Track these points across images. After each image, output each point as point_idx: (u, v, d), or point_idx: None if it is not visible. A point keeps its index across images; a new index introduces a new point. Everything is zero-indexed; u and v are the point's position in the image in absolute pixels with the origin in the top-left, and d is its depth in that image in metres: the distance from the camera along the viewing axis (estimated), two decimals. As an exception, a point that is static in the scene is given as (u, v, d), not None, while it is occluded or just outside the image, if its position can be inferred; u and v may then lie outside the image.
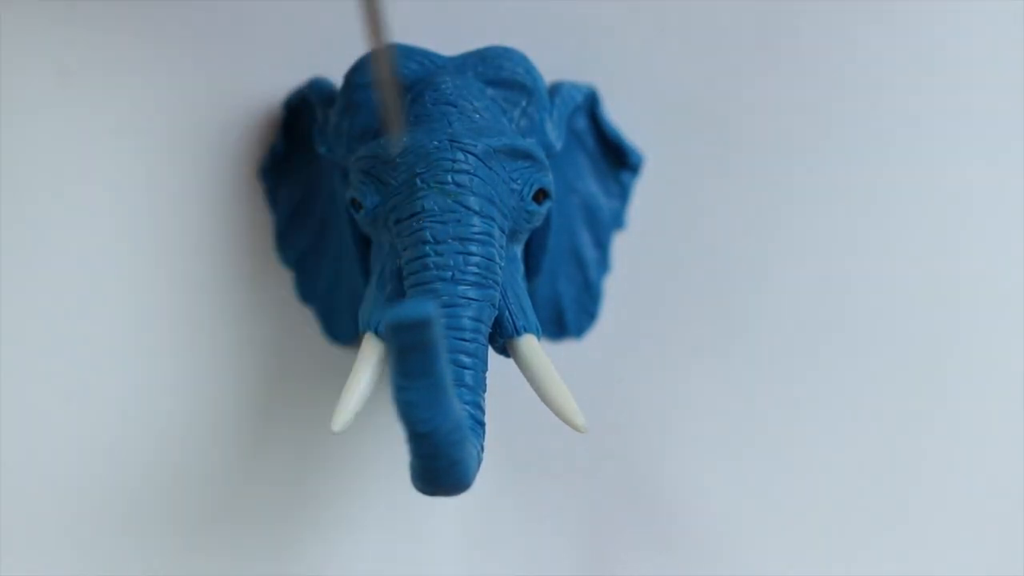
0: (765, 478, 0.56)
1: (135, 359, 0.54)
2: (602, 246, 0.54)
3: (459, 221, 0.44)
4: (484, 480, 0.44)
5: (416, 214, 0.44)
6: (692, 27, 0.55)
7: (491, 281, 0.44)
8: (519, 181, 0.46)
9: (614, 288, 0.55)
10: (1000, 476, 0.57)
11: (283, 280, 0.54)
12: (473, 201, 0.44)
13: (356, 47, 0.48)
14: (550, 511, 0.56)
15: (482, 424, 0.44)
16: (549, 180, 0.47)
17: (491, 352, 0.45)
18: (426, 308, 0.35)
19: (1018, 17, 0.56)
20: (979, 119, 0.56)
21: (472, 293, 0.44)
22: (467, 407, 0.43)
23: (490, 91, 0.47)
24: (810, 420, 0.56)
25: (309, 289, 0.54)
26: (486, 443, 0.44)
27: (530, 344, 0.46)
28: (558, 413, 0.45)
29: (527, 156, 0.46)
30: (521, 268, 0.48)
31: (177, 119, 0.53)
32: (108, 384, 0.54)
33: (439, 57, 0.48)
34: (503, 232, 0.45)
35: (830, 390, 0.56)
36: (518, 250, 0.48)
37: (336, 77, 0.49)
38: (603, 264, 0.54)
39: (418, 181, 0.44)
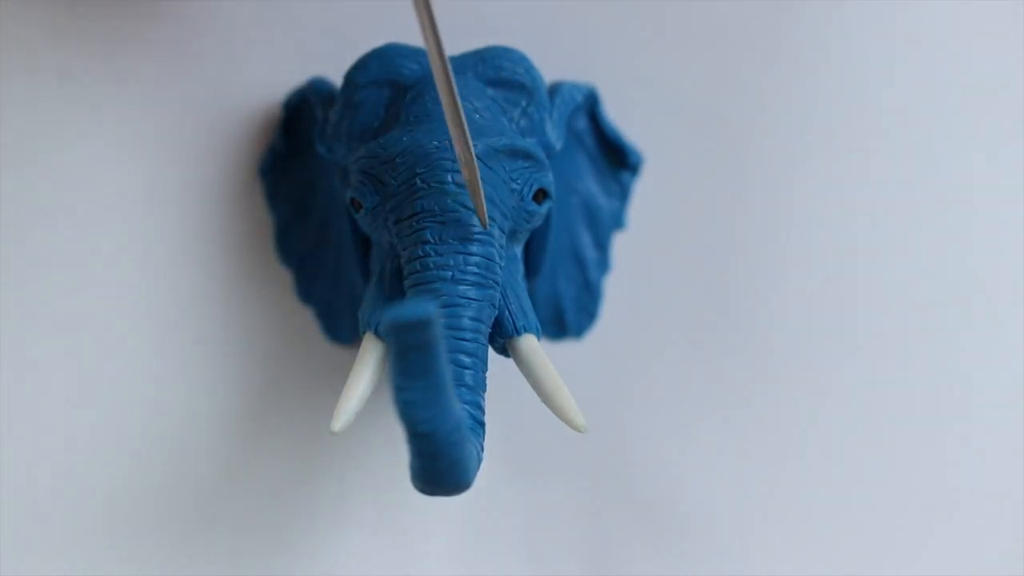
0: (766, 478, 0.56)
1: (134, 359, 0.54)
2: (602, 246, 0.54)
3: (459, 221, 0.44)
4: (484, 480, 0.44)
5: (416, 214, 0.44)
6: (692, 27, 0.55)
7: (491, 281, 0.44)
8: (519, 181, 0.46)
9: (614, 288, 0.55)
10: (1006, 476, 0.57)
11: (283, 280, 0.54)
12: (473, 198, 0.44)
13: (356, 47, 0.48)
14: (550, 511, 0.56)
15: (482, 424, 0.44)
16: (549, 180, 0.47)
17: (491, 352, 0.45)
18: (426, 308, 0.35)
19: (1019, 17, 0.56)
20: (984, 120, 0.56)
21: (472, 293, 0.44)
22: (467, 407, 0.43)
23: (490, 91, 0.47)
24: (812, 420, 0.56)
25: (309, 289, 0.54)
26: (486, 443, 0.44)
27: (530, 344, 0.46)
28: (558, 413, 0.45)
29: (527, 156, 0.46)
30: (521, 268, 0.48)
31: (177, 119, 0.53)
32: (107, 384, 0.54)
33: (439, 57, 0.48)
34: (503, 232, 0.45)
35: (832, 390, 0.56)
36: (518, 250, 0.48)
37: (336, 77, 0.49)
38: (603, 264, 0.54)
39: (418, 181, 0.44)
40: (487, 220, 0.44)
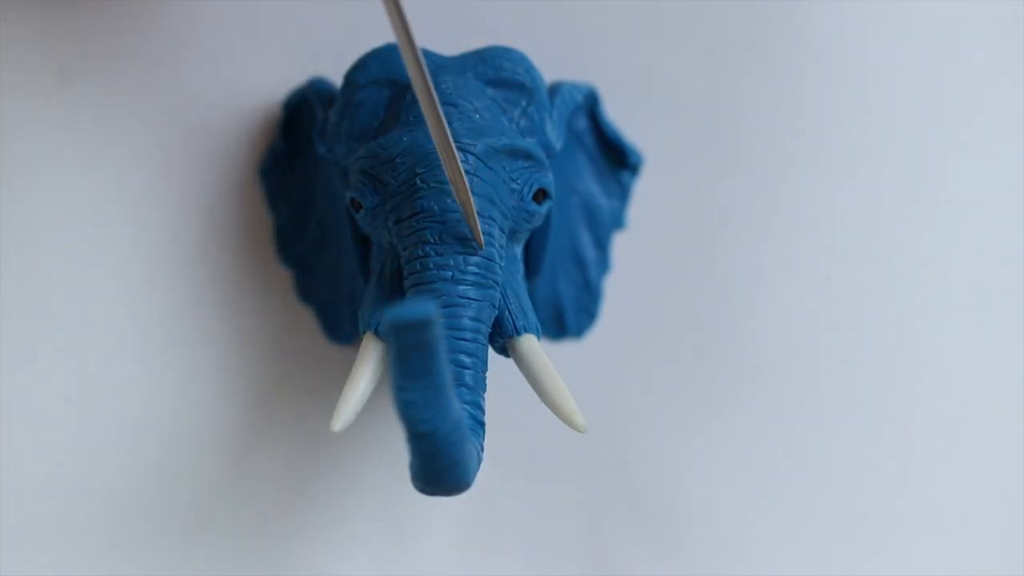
0: (765, 478, 0.56)
1: (134, 359, 0.54)
2: (602, 246, 0.54)
3: (459, 221, 0.44)
4: (484, 480, 0.44)
5: (416, 214, 0.44)
6: (692, 27, 0.55)
7: (491, 281, 0.44)
8: (519, 181, 0.46)
9: (614, 288, 0.55)
10: (1002, 475, 0.57)
11: (283, 280, 0.54)
12: (473, 201, 0.44)
13: (356, 47, 0.48)
14: (550, 511, 0.56)
15: (482, 424, 0.44)
16: (549, 180, 0.47)
17: (491, 352, 0.45)
18: (426, 308, 0.35)
19: (1019, 17, 0.56)
20: (984, 120, 0.56)
21: (472, 293, 0.44)
22: (467, 407, 0.43)
23: (490, 91, 0.47)
24: (810, 420, 0.56)
25: (309, 289, 0.54)
26: (486, 443, 0.44)
27: (530, 344, 0.46)
28: (558, 413, 0.45)
29: (527, 156, 0.46)
30: (521, 268, 0.48)
31: (177, 119, 0.53)
32: (107, 384, 0.54)
33: (439, 57, 0.48)
34: (503, 232, 0.45)
35: (831, 390, 0.56)
36: (518, 250, 0.48)
37: (336, 77, 0.49)
38: (603, 264, 0.54)
39: (418, 181, 0.44)
40: (483, 239, 0.44)
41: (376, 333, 0.45)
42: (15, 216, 0.53)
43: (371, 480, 0.55)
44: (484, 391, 0.44)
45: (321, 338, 0.54)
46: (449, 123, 0.45)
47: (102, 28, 0.53)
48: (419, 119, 0.46)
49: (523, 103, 0.48)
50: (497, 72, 0.47)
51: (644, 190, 0.55)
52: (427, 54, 0.47)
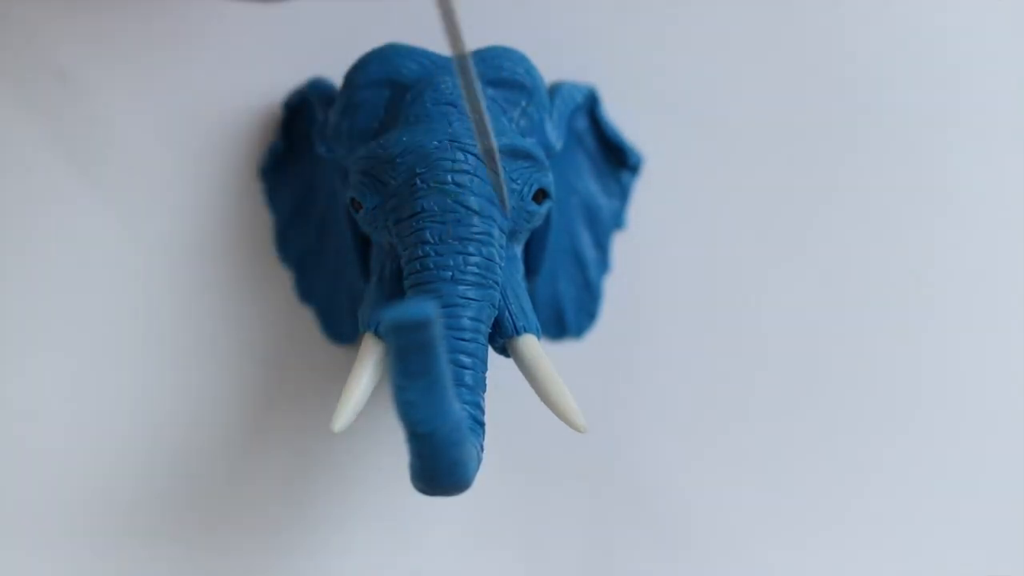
0: (765, 478, 0.56)
1: (134, 359, 0.54)
2: (602, 246, 0.54)
3: (459, 221, 0.44)
4: (484, 480, 0.44)
5: (416, 214, 0.44)
6: (692, 27, 0.55)
7: (491, 281, 0.44)
8: (519, 181, 0.46)
9: (614, 288, 0.55)
10: (1004, 477, 0.57)
11: (283, 280, 0.54)
12: (473, 201, 0.44)
13: (356, 47, 0.48)
14: (550, 511, 0.56)
15: (482, 424, 0.44)
16: (549, 180, 0.47)
17: (491, 352, 0.45)
18: (426, 308, 0.35)
19: (1018, 17, 0.56)
20: (983, 119, 0.56)
21: (472, 293, 0.44)
22: (467, 407, 0.43)
23: (490, 91, 0.47)
24: (811, 420, 0.56)
25: (309, 289, 0.54)
26: (486, 443, 0.44)
27: (530, 344, 0.46)
28: (558, 413, 0.45)
29: (527, 156, 0.46)
30: (521, 268, 0.48)
31: (177, 119, 0.53)
32: (107, 384, 0.54)
33: (439, 57, 0.48)
34: (503, 232, 0.45)
35: (831, 390, 0.56)
36: (518, 250, 0.48)
37: (336, 77, 0.49)
38: (603, 264, 0.54)
39: (418, 181, 0.44)
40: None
41: (376, 333, 0.45)
42: (14, 216, 0.53)
43: (371, 480, 0.55)
44: (484, 391, 0.44)
45: (321, 338, 0.54)
46: (449, 123, 0.45)
47: (102, 28, 0.53)
48: (419, 119, 0.46)
49: (523, 103, 0.48)
50: (497, 72, 0.47)
51: (644, 190, 0.55)
52: (427, 54, 0.47)
